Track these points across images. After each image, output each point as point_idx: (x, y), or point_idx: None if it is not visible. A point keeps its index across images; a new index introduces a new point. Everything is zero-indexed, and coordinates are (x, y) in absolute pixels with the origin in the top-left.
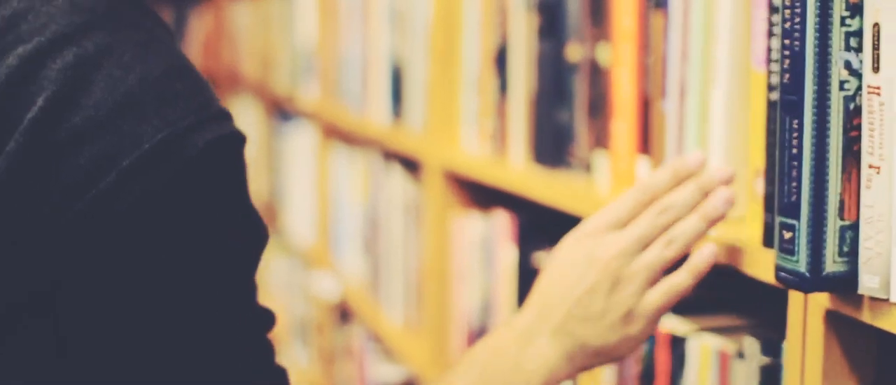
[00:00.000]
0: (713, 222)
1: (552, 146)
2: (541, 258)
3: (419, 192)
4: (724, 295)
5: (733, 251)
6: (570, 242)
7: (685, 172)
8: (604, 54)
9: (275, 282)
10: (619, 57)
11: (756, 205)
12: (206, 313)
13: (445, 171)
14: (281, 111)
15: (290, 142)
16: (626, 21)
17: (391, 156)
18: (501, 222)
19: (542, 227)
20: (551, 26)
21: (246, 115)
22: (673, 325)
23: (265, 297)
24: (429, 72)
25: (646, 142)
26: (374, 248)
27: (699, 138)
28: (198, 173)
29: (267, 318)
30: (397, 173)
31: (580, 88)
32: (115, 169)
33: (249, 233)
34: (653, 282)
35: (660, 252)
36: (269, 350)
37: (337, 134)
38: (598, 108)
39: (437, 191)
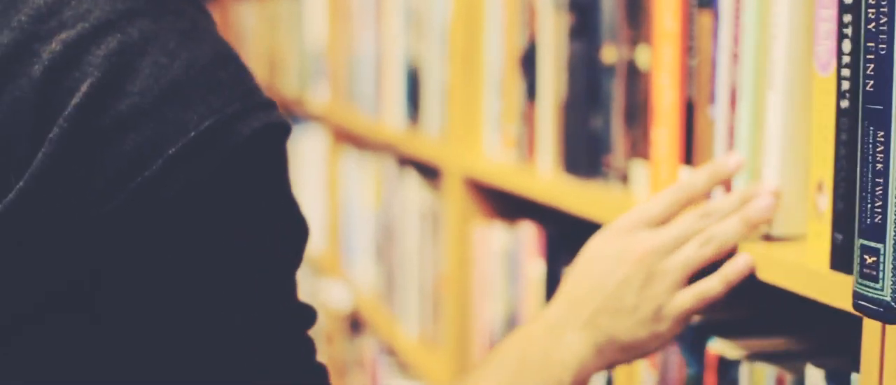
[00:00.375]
0: (753, 227)
1: (585, 154)
2: None
3: (437, 199)
4: (776, 314)
5: (794, 272)
6: (604, 237)
7: (724, 175)
8: (643, 56)
9: None
10: (660, 59)
11: (819, 223)
12: (248, 307)
13: (466, 178)
14: (289, 114)
15: (299, 145)
16: (667, 21)
17: (406, 161)
18: (528, 234)
19: (572, 239)
20: (584, 26)
21: None
22: (721, 347)
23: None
24: (448, 74)
25: (689, 151)
26: (387, 257)
27: (752, 147)
28: (243, 162)
29: (308, 315)
30: (413, 179)
31: (616, 93)
32: (160, 156)
33: (292, 226)
34: (685, 282)
35: (696, 251)
36: (309, 347)
37: (348, 138)
38: (636, 114)
39: (458, 199)
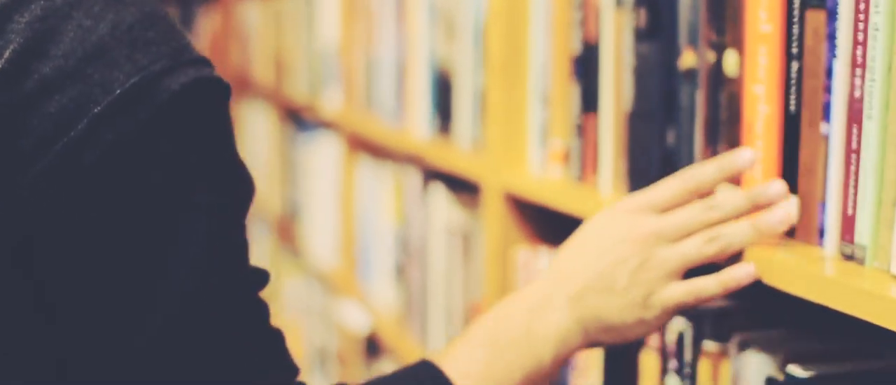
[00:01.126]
0: (764, 236)
1: (656, 174)
2: None
3: (468, 216)
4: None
5: None
6: (604, 217)
7: (734, 169)
8: (730, 61)
9: (290, 303)
10: (754, 64)
11: None
12: (192, 269)
13: (507, 195)
14: (297, 119)
15: (309, 153)
16: (763, 20)
17: (432, 174)
18: None
19: None
20: (656, 26)
21: (257, 123)
22: (793, 369)
23: (279, 317)
24: (484, 79)
25: (792, 175)
26: (408, 277)
27: (880, 174)
28: (173, 119)
29: (259, 277)
30: (440, 194)
31: (696, 103)
32: (85, 116)
33: (232, 185)
34: (681, 274)
35: (699, 246)
36: (261, 310)
37: (364, 146)
38: (721, 128)
39: (497, 218)
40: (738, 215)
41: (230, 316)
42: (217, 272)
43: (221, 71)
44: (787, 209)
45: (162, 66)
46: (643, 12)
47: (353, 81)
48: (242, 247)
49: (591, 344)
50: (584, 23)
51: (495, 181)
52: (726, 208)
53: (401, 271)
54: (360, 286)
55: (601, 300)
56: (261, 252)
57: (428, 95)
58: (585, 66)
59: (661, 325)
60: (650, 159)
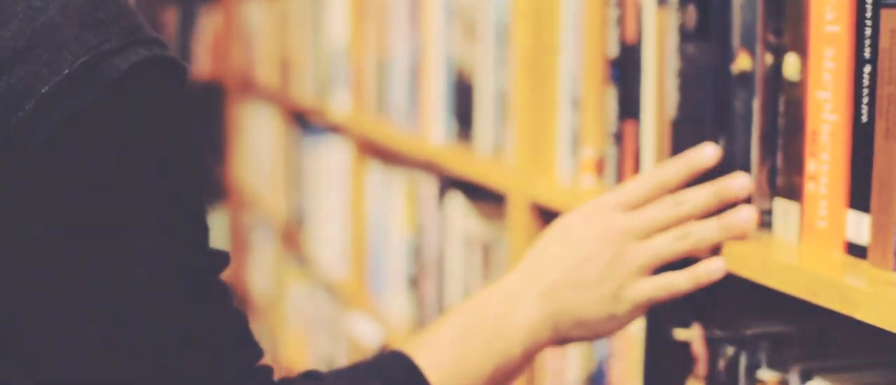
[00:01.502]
0: (731, 235)
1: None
2: (679, 333)
3: (488, 227)
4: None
5: None
6: (575, 216)
7: (700, 166)
8: (791, 65)
9: (295, 311)
10: (818, 69)
11: None
12: (146, 253)
13: (534, 206)
14: (303, 122)
15: (316, 157)
16: (830, 21)
17: (449, 182)
18: None
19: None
20: (706, 26)
21: (261, 125)
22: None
23: (285, 327)
24: (508, 82)
25: (863, 192)
26: (422, 289)
27: None
28: (123, 98)
29: (218, 260)
30: (458, 203)
31: (751, 111)
32: (33, 96)
33: (187, 166)
34: (652, 270)
35: (669, 243)
36: (222, 292)
37: (374, 151)
38: (778, 138)
39: (523, 229)
40: (706, 209)
41: (191, 298)
42: (174, 254)
43: (223, 72)
44: (752, 211)
45: (111, 45)
46: (691, 11)
47: (363, 83)
48: (200, 229)
49: (562, 340)
50: (621, 21)
51: (521, 191)
52: (694, 203)
53: (414, 283)
54: (370, 297)
55: (572, 294)
56: (265, 258)
57: (445, 98)
58: (623, 69)
59: (631, 321)
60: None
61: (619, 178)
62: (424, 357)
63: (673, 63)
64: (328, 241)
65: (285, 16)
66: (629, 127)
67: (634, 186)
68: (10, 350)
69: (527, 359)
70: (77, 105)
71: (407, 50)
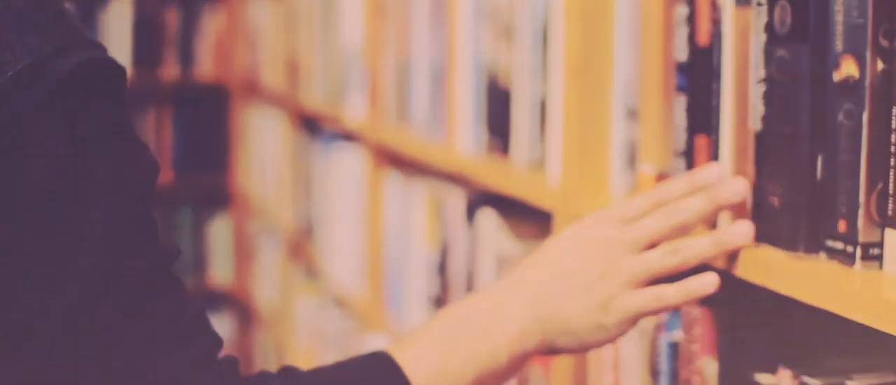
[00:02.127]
0: (724, 251)
1: (802, 211)
2: (763, 378)
3: (523, 244)
4: None
5: None
6: (573, 229)
7: (701, 185)
8: None
9: (303, 324)
10: None
11: None
12: (97, 249)
13: None
14: (313, 128)
15: (328, 165)
16: None
17: (480, 195)
18: (693, 320)
19: (765, 326)
20: (802, 28)
21: (267, 130)
22: None
23: (292, 341)
24: (548, 88)
25: None
26: None
27: None
28: (66, 100)
29: (169, 253)
30: (490, 219)
31: (861, 126)
32: None
33: (133, 164)
34: (643, 283)
35: (661, 257)
36: (174, 285)
37: (393, 160)
38: (893, 160)
39: None
40: (701, 217)
41: (143, 292)
42: (124, 250)
43: (227, 74)
44: (748, 226)
45: (53, 47)
46: (784, 9)
47: (380, 87)
48: (150, 224)
49: (550, 349)
50: (692, 20)
51: (569, 209)
52: (687, 211)
53: (438, 302)
54: (388, 315)
55: (560, 302)
56: (270, 268)
57: (474, 105)
58: (693, 75)
59: (621, 333)
60: (792, 193)
61: None
62: (409, 359)
63: (757, 69)
64: (340, 253)
65: (293, 15)
66: (701, 141)
67: (631, 204)
68: None
69: (514, 365)
70: (22, 107)
71: (430, 52)
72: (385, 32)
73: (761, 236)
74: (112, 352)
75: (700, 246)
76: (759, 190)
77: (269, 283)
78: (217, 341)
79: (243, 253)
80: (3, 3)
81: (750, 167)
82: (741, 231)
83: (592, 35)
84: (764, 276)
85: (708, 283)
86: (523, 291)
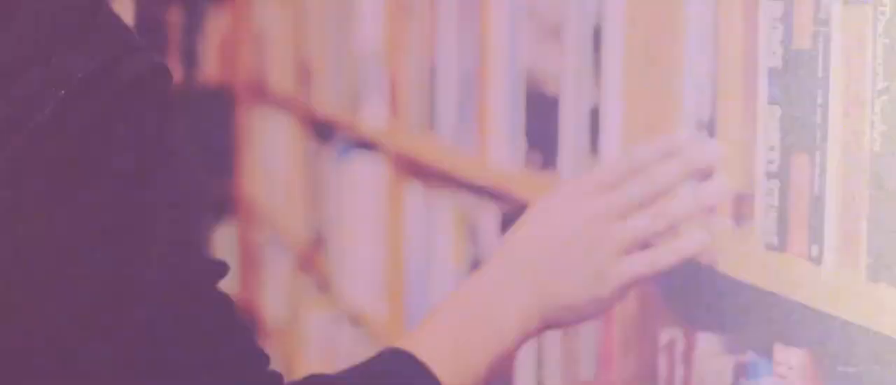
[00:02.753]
0: (705, 208)
1: None
2: None
3: None
4: None
5: None
6: (554, 199)
7: (675, 147)
8: None
9: (313, 340)
10: None
11: None
12: (154, 261)
13: None
14: (325, 134)
15: (341, 173)
16: None
17: (517, 210)
18: (785, 361)
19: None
20: None
21: (274, 136)
22: None
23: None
24: (601, 96)
25: None
26: None
27: None
28: (131, 104)
29: (217, 268)
30: None
31: None
32: (52, 99)
33: (181, 172)
34: (631, 249)
35: (647, 222)
36: (224, 301)
37: (415, 171)
38: None
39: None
40: (680, 180)
41: (195, 308)
42: (178, 262)
43: (232, 76)
44: (725, 181)
45: (115, 52)
46: None
47: (402, 92)
48: (196, 236)
49: (550, 325)
50: (786, 19)
51: None
52: (664, 176)
53: None
54: None
55: (556, 280)
56: (278, 279)
57: (511, 113)
58: (789, 84)
59: (617, 301)
60: None
61: (783, 231)
62: (424, 351)
63: (872, 78)
64: (355, 267)
65: (303, 15)
66: (799, 160)
67: (606, 170)
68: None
69: (518, 346)
70: (93, 111)
71: (459, 54)
72: (408, 33)
73: (875, 274)
74: (167, 369)
75: (683, 206)
76: (875, 221)
77: (276, 294)
78: (265, 358)
79: (249, 263)
80: (66, 3)
81: (865, 191)
82: (721, 187)
83: (655, 36)
84: (881, 318)
85: (699, 241)
86: (519, 274)
